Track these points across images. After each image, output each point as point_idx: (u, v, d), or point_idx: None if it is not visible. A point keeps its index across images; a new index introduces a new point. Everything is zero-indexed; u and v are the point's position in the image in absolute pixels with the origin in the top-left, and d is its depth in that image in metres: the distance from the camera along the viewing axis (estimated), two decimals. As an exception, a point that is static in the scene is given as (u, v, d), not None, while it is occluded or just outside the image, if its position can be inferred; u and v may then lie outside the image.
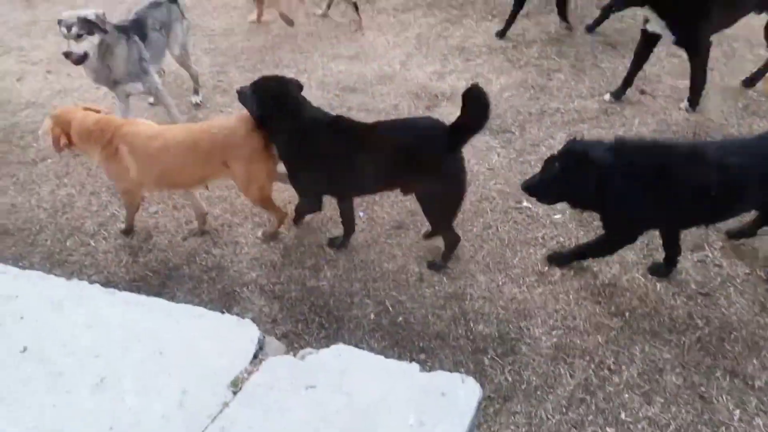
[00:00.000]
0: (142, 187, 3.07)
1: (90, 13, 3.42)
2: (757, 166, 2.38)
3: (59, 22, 3.44)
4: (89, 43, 3.42)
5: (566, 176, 2.38)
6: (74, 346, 1.88)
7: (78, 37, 3.37)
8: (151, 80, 3.76)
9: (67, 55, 3.42)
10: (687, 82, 3.82)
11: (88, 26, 3.38)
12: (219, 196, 3.53)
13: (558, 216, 3.18)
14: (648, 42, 3.70)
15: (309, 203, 3.08)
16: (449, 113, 3.99)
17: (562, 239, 3.07)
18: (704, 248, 2.97)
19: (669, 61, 3.95)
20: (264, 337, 1.89)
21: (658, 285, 2.81)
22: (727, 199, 2.43)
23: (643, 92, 3.99)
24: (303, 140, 2.71)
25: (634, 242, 2.76)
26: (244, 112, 2.83)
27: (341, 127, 2.74)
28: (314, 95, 4.26)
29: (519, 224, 3.17)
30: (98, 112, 3.00)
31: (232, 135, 2.79)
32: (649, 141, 2.44)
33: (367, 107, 4.11)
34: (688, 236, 2.99)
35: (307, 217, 3.29)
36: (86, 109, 3.01)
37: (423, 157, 2.53)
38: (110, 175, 3.13)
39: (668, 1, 3.34)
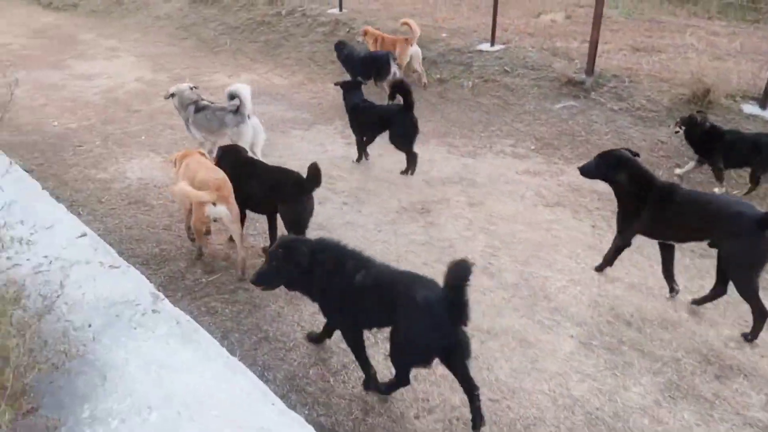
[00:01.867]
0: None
1: (184, 86, 6.16)
2: (376, 292, 3.01)
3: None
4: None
5: (282, 263, 3.14)
6: None
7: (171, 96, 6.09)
8: (192, 132, 6.05)
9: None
10: None
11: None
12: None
13: None
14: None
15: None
16: (742, 393, 3.36)
17: None
18: None
19: None
20: None
21: None
22: (369, 309, 3.09)
23: None
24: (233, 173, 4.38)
25: (355, 337, 3.28)
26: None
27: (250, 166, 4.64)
28: (582, 315, 4.01)
29: None
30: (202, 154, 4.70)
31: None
32: (341, 247, 3.25)
33: (642, 348, 3.68)
34: None
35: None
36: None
37: (287, 192, 4.32)
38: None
39: (618, 187, 4.17)
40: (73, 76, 10.01)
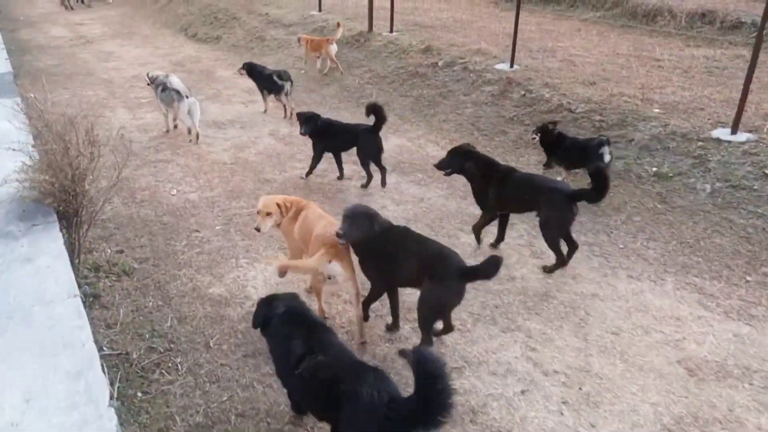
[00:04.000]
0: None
1: (157, 73, 8.25)
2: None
3: None
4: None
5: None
6: None
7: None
8: (160, 105, 8.17)
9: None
10: None
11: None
12: None
13: None
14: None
15: None
16: None
17: None
18: None
19: None
20: None
21: None
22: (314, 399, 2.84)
23: None
24: None
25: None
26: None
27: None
28: None
29: None
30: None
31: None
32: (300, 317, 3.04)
33: None
34: None
35: None
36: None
37: None
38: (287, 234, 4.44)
39: (468, 175, 5.16)
40: (204, 123, 8.89)
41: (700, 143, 6.43)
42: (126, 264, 4.75)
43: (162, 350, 3.77)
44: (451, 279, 3.50)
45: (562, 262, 4.85)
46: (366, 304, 4.03)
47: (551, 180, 5.16)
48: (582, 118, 7.48)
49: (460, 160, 5.08)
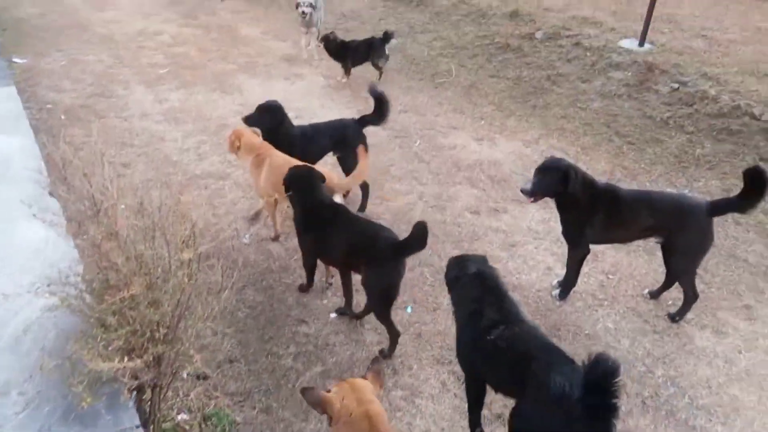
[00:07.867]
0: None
1: None
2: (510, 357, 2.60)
3: None
4: None
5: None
6: None
7: None
8: None
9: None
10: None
11: None
12: None
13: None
14: None
15: None
16: None
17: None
18: None
19: None
20: None
21: None
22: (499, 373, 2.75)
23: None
24: None
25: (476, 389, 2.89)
26: None
27: None
28: None
29: None
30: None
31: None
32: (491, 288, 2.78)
33: None
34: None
35: None
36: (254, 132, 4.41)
37: None
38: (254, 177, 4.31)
39: (563, 199, 3.79)
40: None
41: None
42: (224, 415, 2.88)
43: None
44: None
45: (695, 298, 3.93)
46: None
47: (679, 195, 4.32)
48: (775, 130, 5.62)
49: (269, 120, 4.49)
